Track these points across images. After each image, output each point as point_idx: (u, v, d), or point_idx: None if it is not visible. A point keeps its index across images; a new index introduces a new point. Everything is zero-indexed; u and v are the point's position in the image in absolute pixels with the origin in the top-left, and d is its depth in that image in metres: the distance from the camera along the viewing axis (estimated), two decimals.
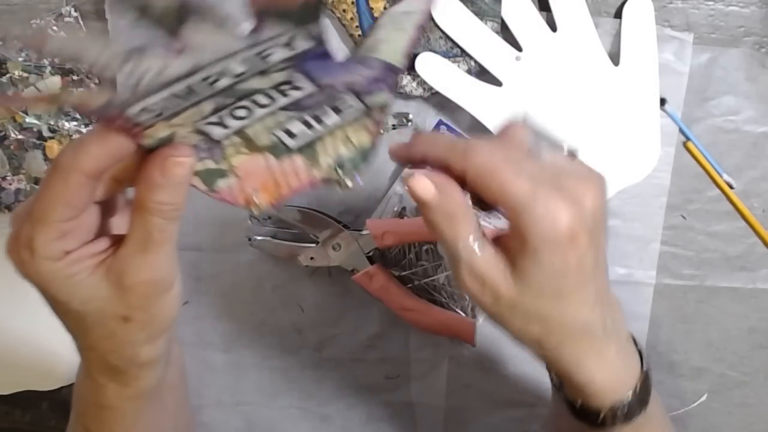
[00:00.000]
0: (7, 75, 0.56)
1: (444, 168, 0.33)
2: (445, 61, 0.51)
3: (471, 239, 0.33)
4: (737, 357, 0.55)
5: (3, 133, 0.56)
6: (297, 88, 0.30)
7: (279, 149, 0.32)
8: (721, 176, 0.53)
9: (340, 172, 0.33)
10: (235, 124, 0.30)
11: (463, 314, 0.53)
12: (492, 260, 0.33)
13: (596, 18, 0.52)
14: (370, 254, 0.52)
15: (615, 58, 0.52)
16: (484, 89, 0.51)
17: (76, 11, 0.55)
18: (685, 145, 0.53)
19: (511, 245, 0.33)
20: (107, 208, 0.34)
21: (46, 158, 0.57)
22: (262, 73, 0.28)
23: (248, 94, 0.29)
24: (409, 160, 0.34)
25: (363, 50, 0.30)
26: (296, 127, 0.32)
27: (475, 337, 0.52)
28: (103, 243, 0.33)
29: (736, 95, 0.53)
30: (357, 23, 0.53)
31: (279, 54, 0.27)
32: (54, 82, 0.56)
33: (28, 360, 0.58)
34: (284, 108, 0.30)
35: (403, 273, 0.54)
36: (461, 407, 0.56)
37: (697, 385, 0.55)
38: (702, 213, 0.54)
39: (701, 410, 0.55)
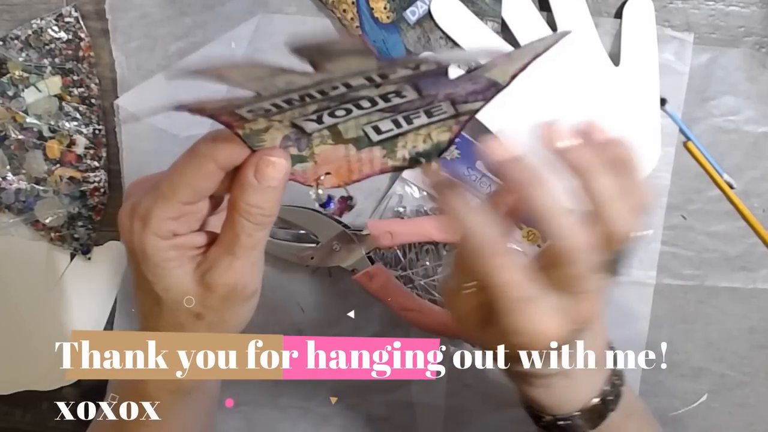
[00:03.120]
0: (8, 75, 0.56)
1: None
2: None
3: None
4: (737, 357, 0.55)
5: (3, 133, 0.56)
6: (401, 96, 0.30)
7: (362, 142, 0.33)
8: (721, 176, 0.53)
9: (413, 162, 0.34)
10: (330, 121, 0.31)
11: None
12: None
13: (596, 18, 0.52)
14: (370, 254, 0.52)
15: (615, 58, 0.52)
16: None
17: (76, 11, 0.55)
18: (685, 145, 0.53)
19: None
20: (214, 204, 0.34)
21: (46, 158, 0.57)
22: (377, 85, 0.28)
23: (355, 99, 0.30)
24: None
25: (478, 70, 0.30)
26: (386, 125, 0.32)
27: None
28: (202, 238, 0.34)
29: (736, 95, 0.53)
30: (357, 23, 0.53)
31: (401, 73, 0.27)
32: (54, 82, 0.56)
33: (28, 360, 0.58)
34: (381, 110, 0.31)
35: (403, 273, 0.54)
36: (461, 407, 0.56)
37: (697, 385, 0.55)
38: (702, 213, 0.54)
39: (701, 410, 0.55)
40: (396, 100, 0.30)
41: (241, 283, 0.34)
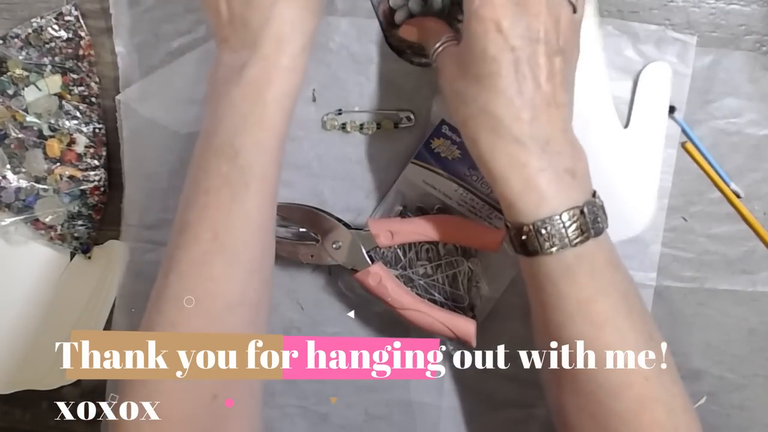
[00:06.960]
0: (8, 73, 0.56)
1: None
2: None
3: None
4: (737, 360, 0.55)
5: (3, 132, 0.56)
6: None
7: None
8: (728, 185, 0.53)
9: None
10: None
11: (463, 314, 0.53)
12: (451, 50, 0.42)
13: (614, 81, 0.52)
14: (371, 253, 0.52)
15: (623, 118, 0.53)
16: None
17: (76, 10, 0.55)
18: (683, 145, 0.53)
19: None
20: None
21: (46, 157, 0.57)
22: None
23: None
24: None
25: None
26: None
27: (475, 337, 0.52)
28: None
29: (738, 97, 0.53)
30: None
31: None
32: (54, 80, 0.56)
33: (28, 360, 0.58)
34: None
35: (403, 272, 0.54)
36: (461, 407, 0.57)
37: (696, 387, 0.55)
38: (703, 215, 0.54)
39: (700, 412, 0.55)
40: None
41: None
